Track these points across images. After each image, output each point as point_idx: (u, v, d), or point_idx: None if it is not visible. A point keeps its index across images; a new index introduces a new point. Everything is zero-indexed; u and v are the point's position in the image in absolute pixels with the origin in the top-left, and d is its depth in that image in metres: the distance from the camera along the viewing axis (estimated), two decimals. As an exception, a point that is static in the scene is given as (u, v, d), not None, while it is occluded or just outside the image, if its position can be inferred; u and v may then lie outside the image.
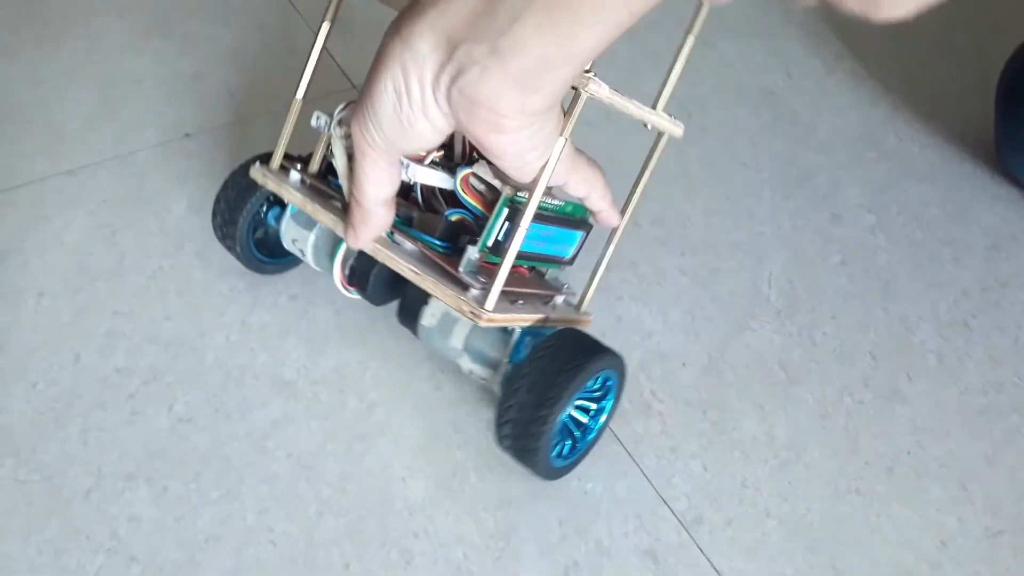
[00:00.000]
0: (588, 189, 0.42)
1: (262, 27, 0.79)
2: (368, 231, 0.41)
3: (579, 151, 0.41)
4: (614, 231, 0.45)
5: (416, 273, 0.41)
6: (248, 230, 0.52)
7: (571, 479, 0.46)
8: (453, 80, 0.33)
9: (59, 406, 0.50)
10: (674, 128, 0.44)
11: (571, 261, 0.46)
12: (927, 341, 0.52)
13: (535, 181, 0.37)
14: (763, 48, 0.80)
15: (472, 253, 0.41)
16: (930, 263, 0.57)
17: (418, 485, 0.46)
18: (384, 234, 0.42)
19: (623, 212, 0.45)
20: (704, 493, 0.45)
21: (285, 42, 0.78)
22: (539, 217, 0.41)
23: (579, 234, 0.45)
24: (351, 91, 0.72)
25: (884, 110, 0.69)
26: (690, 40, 0.42)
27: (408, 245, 0.42)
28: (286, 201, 0.49)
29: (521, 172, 0.37)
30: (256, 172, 0.47)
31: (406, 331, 0.53)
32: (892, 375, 0.51)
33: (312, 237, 0.49)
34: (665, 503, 0.45)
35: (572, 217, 0.44)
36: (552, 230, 0.43)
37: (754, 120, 0.71)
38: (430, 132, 0.36)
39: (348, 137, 0.42)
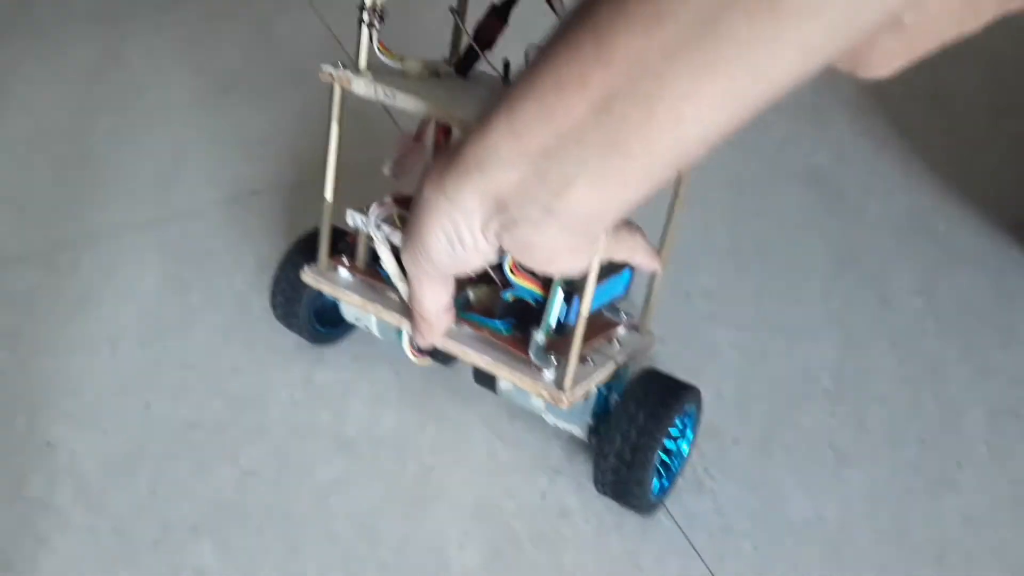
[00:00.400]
0: (630, 254, 0.43)
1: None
2: (435, 335, 0.45)
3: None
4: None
5: (490, 362, 0.43)
6: (308, 314, 0.55)
7: (623, 553, 0.47)
8: (505, 228, 0.34)
9: (130, 454, 0.52)
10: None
11: (626, 295, 0.48)
12: (977, 428, 0.53)
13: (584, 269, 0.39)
14: (812, 128, 0.82)
15: (538, 338, 0.43)
16: (979, 349, 0.58)
17: (474, 551, 0.47)
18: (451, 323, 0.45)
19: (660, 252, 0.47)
20: (755, 573, 0.46)
21: (350, 107, 0.81)
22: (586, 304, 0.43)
23: (627, 273, 0.47)
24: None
25: (933, 192, 0.70)
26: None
27: (473, 331, 0.45)
28: (344, 303, 0.51)
29: (573, 273, 0.39)
30: (308, 277, 0.50)
31: (462, 395, 0.54)
32: (942, 461, 0.51)
33: (375, 317, 0.52)
34: (715, 581, 0.46)
35: (615, 264, 0.45)
36: (603, 285, 0.45)
37: (804, 200, 0.73)
38: (481, 261, 0.38)
39: (389, 238, 0.45)
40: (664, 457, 0.49)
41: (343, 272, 0.50)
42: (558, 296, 0.42)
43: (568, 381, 0.41)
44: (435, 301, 0.43)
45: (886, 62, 0.31)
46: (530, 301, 0.44)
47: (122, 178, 0.73)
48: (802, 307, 0.60)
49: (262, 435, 0.53)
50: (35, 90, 0.85)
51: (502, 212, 0.34)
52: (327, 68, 0.46)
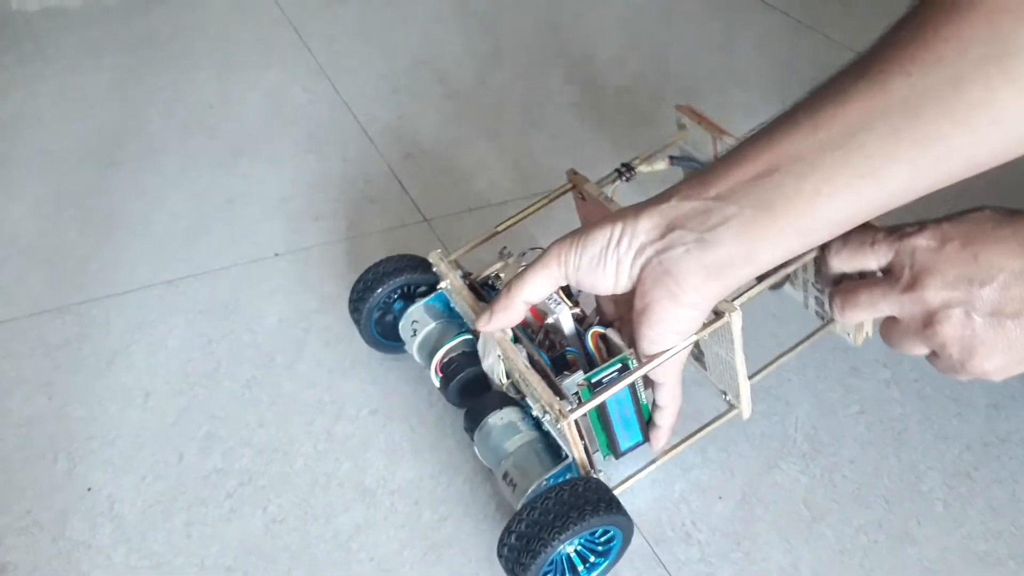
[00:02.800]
0: (668, 402, 0.52)
1: (344, 158, 0.89)
2: (502, 318, 0.51)
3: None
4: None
5: (527, 368, 0.50)
6: (374, 308, 0.62)
7: (619, 597, 0.52)
8: (658, 252, 0.45)
9: (165, 499, 0.56)
10: (744, 408, 0.55)
11: (619, 454, 0.54)
12: (934, 489, 0.59)
13: (651, 357, 0.48)
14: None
15: (578, 377, 0.50)
16: (938, 417, 0.64)
17: (485, 594, 0.52)
18: (508, 331, 0.52)
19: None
20: (736, 617, 0.51)
21: (363, 173, 0.87)
22: (632, 396, 0.51)
23: (640, 438, 0.54)
24: (423, 223, 0.80)
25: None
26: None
27: (523, 351, 0.52)
28: (442, 284, 0.60)
29: (651, 345, 0.48)
30: (434, 256, 0.60)
31: (472, 450, 0.59)
32: (903, 518, 0.57)
33: (432, 326, 0.60)
34: (702, 624, 0.51)
35: (645, 420, 0.53)
36: (631, 413, 0.52)
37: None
38: (607, 283, 0.47)
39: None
40: (575, 566, 0.51)
41: (457, 272, 0.59)
42: (616, 364, 0.49)
43: (579, 411, 0.48)
44: (533, 287, 0.50)
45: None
46: (578, 363, 0.53)
47: (149, 236, 0.78)
48: (781, 374, 0.66)
49: (288, 484, 0.57)
50: (60, 147, 0.90)
51: (664, 237, 0.45)
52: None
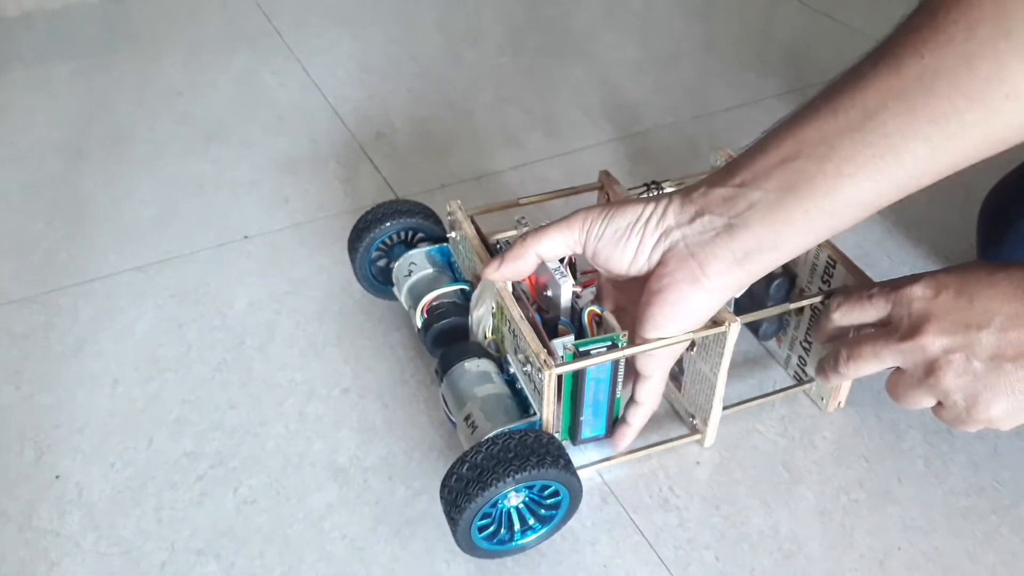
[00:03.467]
0: (647, 399, 0.53)
1: (315, 139, 0.88)
2: (511, 266, 0.51)
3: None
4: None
5: (520, 318, 0.50)
6: (377, 240, 0.62)
7: (597, 567, 0.51)
8: (685, 237, 0.46)
9: (135, 485, 0.55)
10: (709, 434, 0.57)
11: (577, 440, 0.54)
12: (915, 446, 0.58)
13: (644, 339, 0.49)
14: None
15: (567, 341, 0.50)
16: (918, 375, 0.63)
17: (460, 568, 0.51)
18: (509, 284, 0.53)
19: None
20: (716, 581, 0.51)
21: (334, 153, 0.86)
22: (612, 379, 0.50)
23: (603, 432, 0.54)
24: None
25: (877, 234, 0.76)
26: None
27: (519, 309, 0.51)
28: (456, 230, 0.60)
29: (654, 329, 0.48)
30: (453, 204, 0.59)
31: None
32: (884, 477, 0.56)
33: (428, 271, 0.60)
34: (681, 590, 0.50)
35: (615, 415, 0.53)
36: (604, 398, 0.51)
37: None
38: (623, 259, 0.48)
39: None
40: (515, 523, 0.50)
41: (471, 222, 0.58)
42: (606, 341, 0.49)
43: (562, 367, 0.47)
44: (551, 241, 0.50)
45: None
46: (568, 332, 0.53)
47: (117, 223, 0.77)
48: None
49: (259, 465, 0.57)
50: (26, 139, 0.89)
51: (693, 222, 0.46)
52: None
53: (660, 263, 0.47)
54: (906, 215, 0.77)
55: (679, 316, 0.47)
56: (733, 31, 1.11)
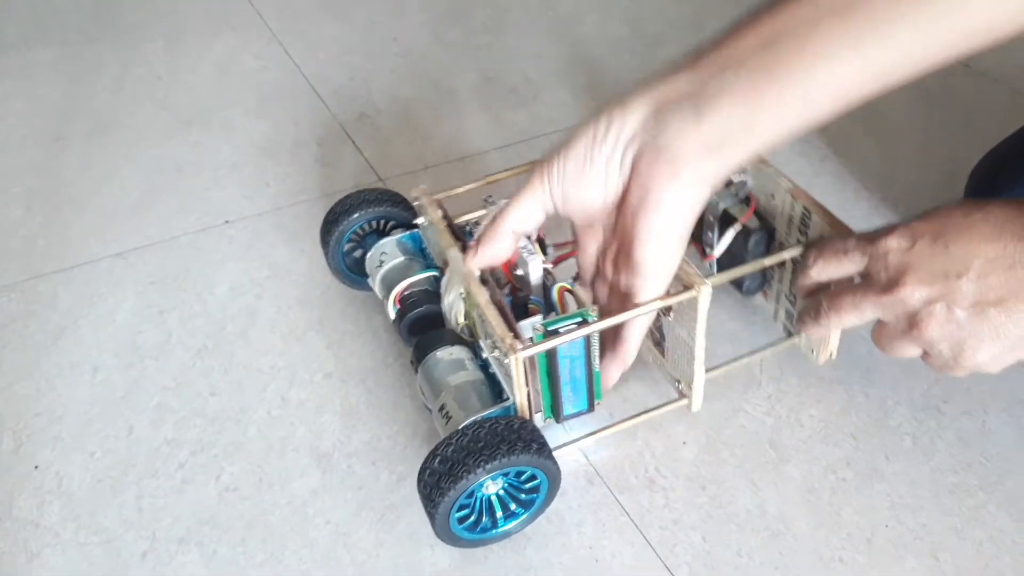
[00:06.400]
0: (631, 330, 0.50)
1: (296, 122, 0.86)
2: (488, 250, 0.49)
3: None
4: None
5: (486, 303, 0.48)
6: (347, 233, 0.61)
7: (582, 549, 0.51)
8: (652, 137, 0.43)
9: (115, 474, 0.55)
10: (695, 399, 0.55)
11: (560, 418, 0.52)
12: (903, 424, 0.58)
13: (643, 264, 0.46)
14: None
15: (535, 323, 0.48)
16: (905, 352, 0.63)
17: (443, 554, 0.50)
18: (476, 270, 0.51)
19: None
20: (704, 562, 0.50)
21: (315, 136, 0.85)
22: (585, 354, 0.49)
23: (585, 407, 0.52)
24: (378, 183, 0.78)
25: (865, 209, 0.76)
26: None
27: (487, 292, 0.50)
28: (419, 220, 0.59)
29: (649, 246, 0.45)
30: (418, 190, 0.58)
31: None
32: (871, 454, 0.56)
33: (399, 259, 0.59)
34: (669, 571, 0.50)
35: (593, 389, 0.51)
36: (582, 375, 0.50)
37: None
38: (596, 188, 0.45)
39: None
40: (495, 511, 0.49)
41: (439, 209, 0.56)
42: (575, 318, 0.47)
43: (528, 349, 0.46)
44: (519, 214, 0.48)
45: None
46: (539, 311, 0.52)
47: (98, 209, 0.76)
48: (745, 317, 0.65)
49: (241, 451, 0.56)
50: (4, 125, 0.87)
51: (656, 118, 0.43)
52: None
53: (633, 171, 0.44)
54: (893, 192, 0.77)
55: (671, 216, 0.44)
56: (720, 10, 1.10)
